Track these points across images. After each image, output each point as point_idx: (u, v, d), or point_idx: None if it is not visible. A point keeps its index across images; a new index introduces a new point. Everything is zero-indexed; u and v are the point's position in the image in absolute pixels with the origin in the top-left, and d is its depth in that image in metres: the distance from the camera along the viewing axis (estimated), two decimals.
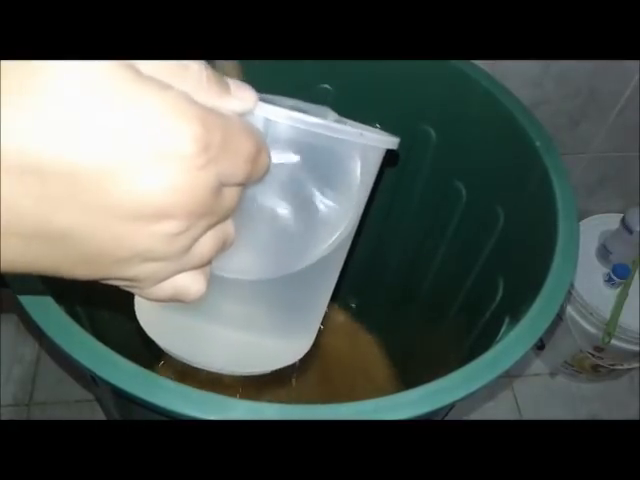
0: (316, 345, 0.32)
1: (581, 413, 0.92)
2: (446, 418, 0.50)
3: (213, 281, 0.25)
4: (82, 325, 0.35)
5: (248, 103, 0.21)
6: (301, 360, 0.32)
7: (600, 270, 0.86)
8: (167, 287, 0.21)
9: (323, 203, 0.26)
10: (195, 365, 0.28)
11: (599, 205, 0.96)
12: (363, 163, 0.27)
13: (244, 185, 0.21)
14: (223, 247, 0.22)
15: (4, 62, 0.15)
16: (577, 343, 0.86)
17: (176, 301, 0.22)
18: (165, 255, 0.20)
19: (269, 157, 0.22)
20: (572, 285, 0.84)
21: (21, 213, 0.17)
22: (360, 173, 0.27)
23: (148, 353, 0.48)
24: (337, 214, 0.27)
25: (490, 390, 0.90)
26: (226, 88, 0.20)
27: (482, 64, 0.54)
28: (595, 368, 0.89)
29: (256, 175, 0.21)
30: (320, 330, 0.32)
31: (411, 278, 0.72)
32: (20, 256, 0.18)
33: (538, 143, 0.49)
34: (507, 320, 0.47)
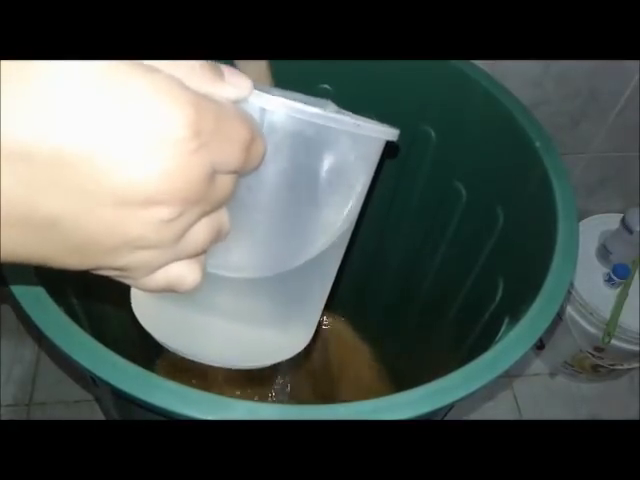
0: (314, 344, 0.32)
1: (581, 413, 0.92)
2: (446, 418, 0.50)
3: (209, 278, 0.25)
4: (79, 321, 0.35)
5: (243, 90, 0.21)
6: (298, 359, 0.32)
7: (600, 270, 0.86)
8: (161, 277, 0.21)
9: (321, 196, 0.26)
10: (192, 358, 0.28)
11: (599, 205, 0.96)
12: (362, 155, 0.26)
13: (239, 174, 0.21)
14: (218, 237, 0.22)
15: None
16: (577, 343, 0.86)
17: (171, 291, 0.22)
18: (157, 243, 0.19)
19: (264, 146, 0.21)
20: (572, 285, 0.84)
21: (11, 200, 0.16)
22: (358, 165, 0.26)
23: (147, 348, 0.48)
24: (336, 207, 0.27)
25: (490, 390, 0.90)
26: (220, 75, 0.20)
27: (482, 64, 0.54)
28: (595, 368, 0.89)
29: (251, 164, 0.21)
30: (319, 330, 0.32)
31: (411, 278, 0.72)
32: (10, 245, 0.17)
33: (538, 143, 0.49)
34: (507, 320, 0.47)
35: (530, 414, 0.90)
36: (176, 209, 0.18)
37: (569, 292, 0.84)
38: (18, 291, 0.36)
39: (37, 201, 0.17)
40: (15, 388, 0.85)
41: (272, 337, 0.29)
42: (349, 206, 0.27)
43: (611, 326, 0.81)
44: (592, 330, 0.84)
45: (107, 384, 0.32)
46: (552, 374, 0.95)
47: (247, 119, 0.20)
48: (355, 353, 0.83)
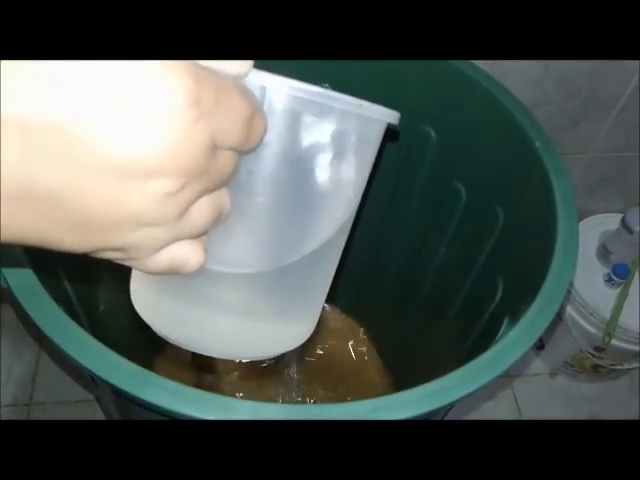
0: (314, 345, 0.32)
1: (581, 413, 0.92)
2: (446, 418, 0.50)
3: (209, 271, 0.24)
4: (79, 320, 0.35)
5: (243, 66, 0.20)
6: (299, 360, 0.32)
7: (600, 270, 0.86)
8: (164, 257, 0.21)
9: (323, 181, 0.25)
10: (193, 350, 0.28)
11: (599, 205, 0.96)
12: (363, 137, 0.26)
13: (239, 151, 0.21)
14: (219, 217, 0.22)
15: None
16: (577, 343, 0.86)
17: (174, 273, 0.22)
18: (159, 218, 0.19)
19: (265, 123, 0.21)
20: (572, 285, 0.84)
21: (9, 172, 0.16)
22: (360, 148, 0.26)
23: (148, 344, 0.48)
24: (337, 193, 0.26)
25: (490, 390, 0.90)
26: None
27: (482, 64, 0.54)
28: (595, 368, 0.89)
29: (251, 140, 0.21)
30: (318, 329, 0.32)
31: (410, 278, 0.72)
32: (9, 220, 0.17)
33: (538, 143, 0.49)
34: (507, 320, 0.47)
35: (530, 414, 0.90)
36: (178, 181, 0.18)
37: (569, 292, 0.84)
38: (18, 291, 0.36)
39: (36, 173, 0.16)
40: (15, 388, 0.85)
41: (272, 330, 0.29)
42: (351, 192, 0.27)
43: (611, 326, 0.81)
44: (592, 330, 0.84)
45: (107, 383, 0.32)
46: (552, 374, 0.95)
47: (248, 94, 0.20)
48: (357, 351, 0.83)
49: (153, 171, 0.18)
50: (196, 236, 0.21)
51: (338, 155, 0.25)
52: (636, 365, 0.87)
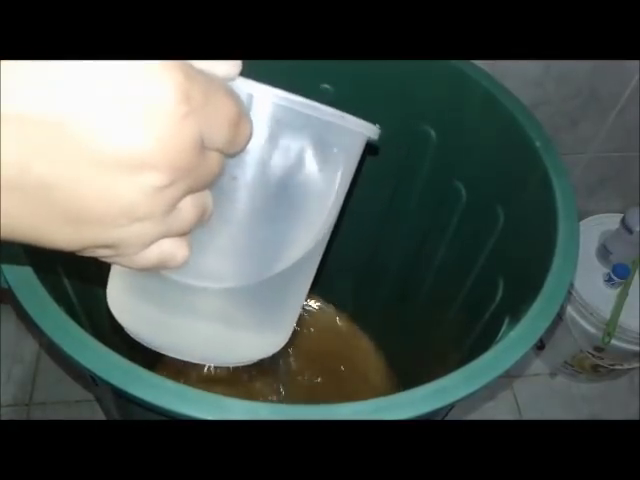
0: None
1: (581, 413, 0.92)
2: (446, 418, 0.50)
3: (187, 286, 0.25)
4: (80, 321, 0.35)
5: (231, 67, 0.21)
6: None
7: (600, 270, 0.86)
8: (153, 252, 0.21)
9: (302, 192, 0.26)
10: (167, 354, 0.28)
11: (599, 205, 0.96)
12: (345, 149, 0.26)
13: (225, 153, 0.21)
14: (202, 217, 0.22)
15: None
16: (577, 343, 0.86)
17: (162, 268, 0.22)
18: (149, 212, 0.19)
19: (251, 127, 0.22)
20: (572, 285, 0.84)
21: (3, 162, 0.16)
22: (341, 160, 0.26)
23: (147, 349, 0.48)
24: (318, 204, 0.27)
25: (490, 390, 0.90)
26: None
27: (482, 64, 0.54)
28: (595, 368, 0.89)
29: (237, 142, 0.21)
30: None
31: (410, 278, 0.72)
32: (2, 212, 0.17)
33: (538, 143, 0.49)
34: (507, 320, 0.47)
35: (530, 414, 0.90)
36: (168, 176, 0.19)
37: (569, 292, 0.84)
38: (18, 291, 0.36)
39: (29, 164, 0.17)
40: (15, 388, 0.85)
41: (249, 337, 0.29)
42: (330, 204, 0.27)
43: (611, 326, 0.81)
44: (592, 330, 0.84)
45: (107, 383, 0.32)
46: (552, 374, 0.95)
47: (235, 97, 0.21)
48: (357, 351, 0.83)
49: (144, 164, 0.18)
50: (182, 234, 0.22)
51: (319, 166, 0.26)
52: (636, 365, 0.87)
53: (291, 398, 0.77)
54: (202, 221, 0.23)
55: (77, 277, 0.49)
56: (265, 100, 0.23)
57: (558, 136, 0.86)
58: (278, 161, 0.24)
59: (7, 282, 0.37)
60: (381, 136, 0.28)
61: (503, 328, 0.46)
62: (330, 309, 0.85)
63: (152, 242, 0.21)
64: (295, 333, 0.31)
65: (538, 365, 0.95)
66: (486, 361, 0.36)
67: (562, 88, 0.80)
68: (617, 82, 0.81)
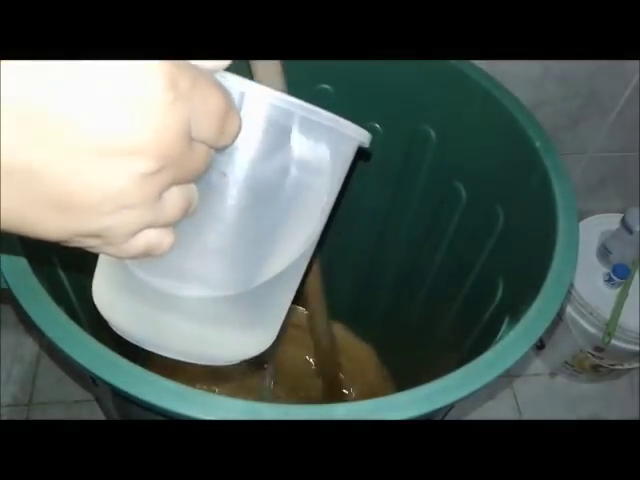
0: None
1: (581, 413, 0.92)
2: (446, 418, 0.50)
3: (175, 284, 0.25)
4: (79, 321, 0.35)
5: (220, 61, 0.21)
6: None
7: (600, 270, 0.86)
8: (140, 241, 0.21)
9: (292, 193, 0.25)
10: (154, 351, 0.28)
11: (599, 205, 0.96)
12: (335, 154, 0.26)
13: (213, 146, 0.21)
14: (188, 209, 0.22)
15: None
16: (577, 343, 0.86)
17: (148, 255, 0.22)
18: (137, 199, 0.19)
19: (239, 122, 0.22)
20: (572, 285, 0.84)
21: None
22: (331, 165, 0.26)
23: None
24: (308, 207, 0.26)
25: (490, 390, 0.90)
26: None
27: (482, 64, 0.54)
28: (595, 368, 0.89)
29: (225, 135, 0.21)
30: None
31: (410, 278, 0.72)
32: None
33: (538, 143, 0.49)
34: (507, 320, 0.47)
35: (530, 414, 0.90)
36: (155, 162, 0.19)
37: (569, 292, 0.84)
38: (18, 291, 0.36)
39: (14, 150, 0.17)
40: (15, 388, 0.85)
41: (235, 338, 0.29)
42: (321, 206, 0.27)
43: (611, 326, 0.81)
44: (592, 330, 0.84)
45: (107, 383, 0.32)
46: (552, 374, 0.95)
47: (224, 90, 0.21)
48: (357, 351, 0.83)
49: (131, 150, 0.18)
50: (168, 224, 0.22)
51: (311, 168, 0.25)
52: (636, 365, 0.87)
53: (289, 398, 0.77)
54: (187, 213, 0.23)
55: (76, 277, 0.49)
56: (257, 99, 0.23)
57: (558, 136, 0.86)
58: (269, 161, 0.24)
59: (7, 283, 0.37)
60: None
61: (503, 328, 0.46)
62: (330, 309, 0.85)
63: (139, 231, 0.21)
64: (295, 333, 0.31)
65: (538, 365, 0.95)
66: (486, 361, 0.36)
67: (562, 88, 0.80)
68: (617, 82, 0.81)
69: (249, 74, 0.45)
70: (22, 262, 0.38)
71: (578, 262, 0.43)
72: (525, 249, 0.50)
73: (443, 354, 0.64)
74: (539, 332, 0.39)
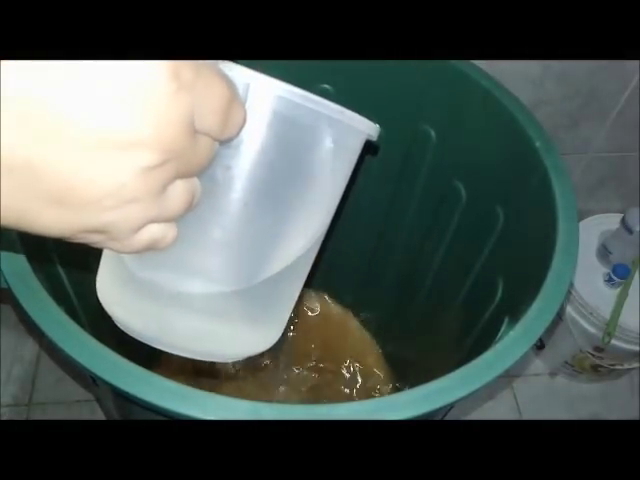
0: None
1: (581, 413, 0.92)
2: (446, 418, 0.50)
3: (181, 279, 0.24)
4: (80, 321, 0.35)
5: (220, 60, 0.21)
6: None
7: (600, 270, 0.86)
8: (144, 235, 0.21)
9: (298, 187, 0.25)
10: (156, 346, 0.27)
11: (599, 205, 0.96)
12: (342, 147, 0.26)
13: (217, 138, 0.21)
14: (192, 202, 0.22)
15: None
16: (577, 343, 0.86)
17: (152, 249, 0.22)
18: (139, 194, 0.19)
19: (244, 113, 0.21)
20: (572, 285, 0.84)
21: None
22: (338, 158, 0.26)
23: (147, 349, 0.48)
24: (313, 201, 0.26)
25: (490, 390, 0.90)
26: None
27: (482, 64, 0.54)
28: (595, 368, 0.89)
29: (229, 127, 0.21)
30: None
31: (410, 278, 0.72)
32: None
33: (538, 143, 0.49)
34: (507, 320, 0.47)
35: (530, 414, 0.90)
36: (158, 156, 0.18)
37: (569, 292, 0.84)
38: (18, 291, 0.36)
39: (13, 145, 0.17)
40: (15, 388, 0.85)
41: (241, 334, 0.29)
42: (328, 200, 0.27)
43: (611, 326, 0.81)
44: (592, 330, 0.84)
45: (107, 383, 0.32)
46: (552, 374, 0.95)
47: (228, 80, 0.20)
48: (357, 350, 0.83)
49: (134, 143, 0.18)
50: (172, 219, 0.22)
51: (317, 162, 0.25)
52: (636, 365, 0.87)
53: (290, 397, 0.77)
54: (191, 207, 0.22)
55: (77, 276, 0.49)
56: (263, 90, 0.22)
57: (558, 136, 0.86)
58: (274, 154, 0.24)
59: (7, 282, 0.37)
60: (381, 136, 0.28)
61: (503, 328, 0.46)
62: (330, 308, 0.85)
63: (142, 226, 0.21)
64: (294, 333, 0.31)
65: (538, 365, 0.95)
66: (486, 361, 0.36)
67: (562, 88, 0.80)
68: (617, 82, 0.81)
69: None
70: (22, 262, 0.38)
71: (578, 262, 0.43)
72: (525, 249, 0.50)
73: (443, 354, 0.64)
74: (539, 332, 0.39)
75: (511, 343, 0.38)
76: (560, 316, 0.85)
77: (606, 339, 0.81)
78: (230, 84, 0.20)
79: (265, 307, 0.28)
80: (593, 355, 0.86)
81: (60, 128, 0.17)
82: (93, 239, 0.20)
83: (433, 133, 0.60)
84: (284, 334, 0.31)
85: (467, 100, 0.55)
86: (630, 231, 0.82)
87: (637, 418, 0.91)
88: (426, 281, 0.69)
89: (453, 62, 0.54)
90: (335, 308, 0.85)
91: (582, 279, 0.84)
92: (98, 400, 0.78)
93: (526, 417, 0.90)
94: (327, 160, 0.25)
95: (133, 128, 0.18)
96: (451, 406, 0.36)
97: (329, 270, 0.71)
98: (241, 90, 0.22)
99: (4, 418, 0.82)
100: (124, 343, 0.30)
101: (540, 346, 0.93)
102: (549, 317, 0.39)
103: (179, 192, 0.21)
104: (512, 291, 0.52)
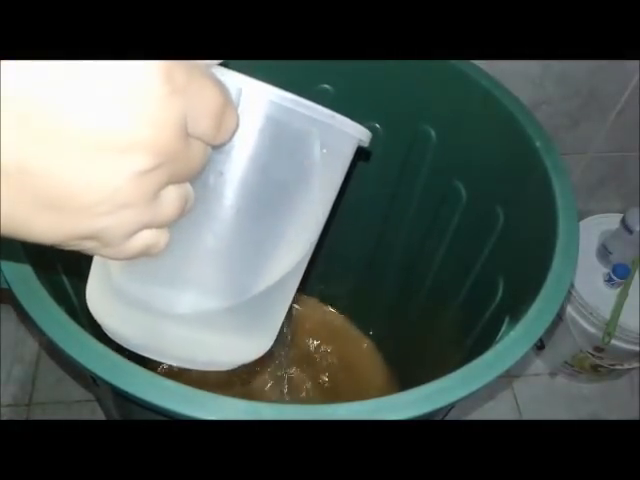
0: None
1: (581, 413, 0.92)
2: (446, 418, 0.50)
3: (172, 290, 0.24)
4: (80, 321, 0.35)
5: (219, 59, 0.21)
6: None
7: (600, 270, 0.86)
8: (138, 241, 0.21)
9: (291, 193, 0.25)
10: (145, 355, 0.27)
11: (599, 205, 0.96)
12: (334, 152, 0.26)
13: (210, 143, 0.21)
14: (185, 208, 0.22)
15: None
16: (577, 343, 0.86)
17: (145, 255, 0.22)
18: (134, 199, 0.19)
19: (236, 118, 0.21)
20: (572, 285, 0.84)
21: None
22: (330, 163, 0.26)
23: None
24: (305, 208, 0.26)
25: (490, 390, 0.90)
26: None
27: (482, 64, 0.54)
28: (595, 368, 0.89)
29: (222, 131, 0.21)
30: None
31: (411, 278, 0.72)
32: None
33: (538, 143, 0.49)
34: (507, 320, 0.47)
35: (530, 414, 0.90)
36: (151, 159, 0.18)
37: (569, 292, 0.84)
38: (19, 291, 0.36)
39: (4, 149, 0.16)
40: (15, 388, 0.85)
41: (234, 344, 0.29)
42: (320, 206, 0.27)
43: (611, 326, 0.81)
44: (592, 330, 0.84)
45: (107, 383, 0.32)
46: (552, 374, 0.95)
47: (221, 85, 0.20)
48: (357, 351, 0.83)
49: (127, 146, 0.18)
50: (165, 225, 0.22)
51: (310, 167, 0.25)
52: (636, 365, 0.87)
53: (290, 398, 0.77)
54: (183, 213, 0.22)
55: (77, 277, 0.49)
56: (255, 95, 0.22)
57: (558, 136, 0.86)
58: (266, 159, 0.24)
59: (7, 282, 0.37)
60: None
61: (503, 328, 0.46)
62: (330, 309, 0.85)
63: (135, 232, 0.21)
64: (294, 333, 0.30)
65: (538, 365, 0.95)
66: (486, 361, 0.36)
67: (562, 88, 0.80)
68: (617, 82, 0.81)
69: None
70: (23, 261, 0.38)
71: (578, 262, 0.43)
72: (525, 249, 0.50)
73: (443, 354, 0.64)
74: (539, 332, 0.39)
75: (511, 343, 0.38)
76: (560, 316, 0.85)
77: (606, 339, 0.81)
78: (223, 88, 0.21)
79: (257, 317, 0.28)
80: (593, 355, 0.86)
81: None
82: (86, 246, 0.20)
83: (433, 133, 0.60)
84: (278, 338, 0.31)
85: (467, 100, 0.55)
86: (630, 231, 0.82)
87: (637, 418, 0.91)
88: (426, 281, 0.69)
89: (453, 62, 0.54)
90: (333, 308, 0.85)
91: (582, 279, 0.84)
92: (98, 400, 0.78)
93: (526, 417, 0.90)
94: (319, 164, 0.25)
95: (127, 130, 0.18)
96: (451, 406, 0.36)
97: (329, 270, 0.72)
98: (233, 95, 0.22)
99: (4, 418, 0.82)
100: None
101: (540, 346, 0.93)
102: (549, 317, 0.39)
103: (172, 197, 0.21)
104: (512, 291, 0.52)
